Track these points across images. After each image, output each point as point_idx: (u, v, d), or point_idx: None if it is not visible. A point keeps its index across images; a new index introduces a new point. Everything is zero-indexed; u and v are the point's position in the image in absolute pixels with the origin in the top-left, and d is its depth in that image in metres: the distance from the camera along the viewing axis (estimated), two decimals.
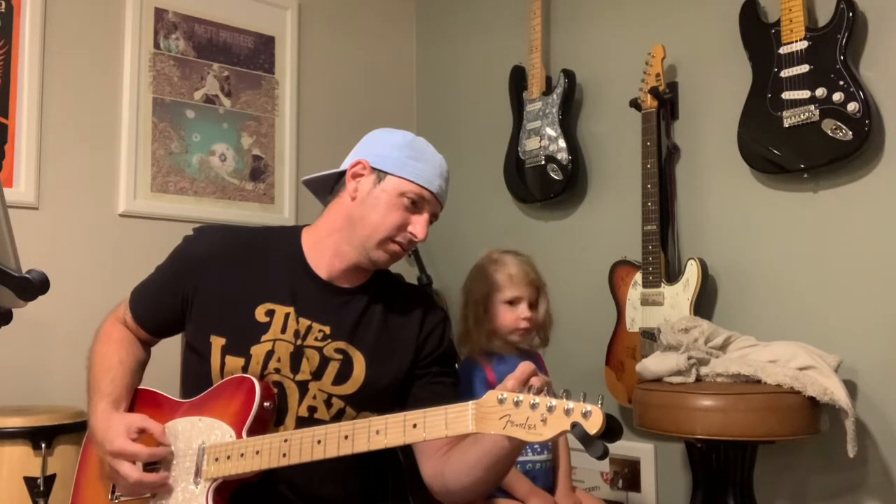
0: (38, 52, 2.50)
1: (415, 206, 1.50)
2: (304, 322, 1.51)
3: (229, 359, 1.50)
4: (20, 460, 1.95)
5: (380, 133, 1.60)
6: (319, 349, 1.51)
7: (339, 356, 1.51)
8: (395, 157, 1.52)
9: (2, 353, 2.20)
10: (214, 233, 1.62)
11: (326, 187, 1.64)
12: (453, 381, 1.63)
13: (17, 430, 1.96)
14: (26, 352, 2.37)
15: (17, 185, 2.44)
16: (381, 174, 1.51)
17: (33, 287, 1.03)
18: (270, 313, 1.51)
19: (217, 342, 1.51)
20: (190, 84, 2.83)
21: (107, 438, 1.41)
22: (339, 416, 1.51)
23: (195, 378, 1.53)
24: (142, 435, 1.41)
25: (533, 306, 1.90)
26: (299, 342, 1.50)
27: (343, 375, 1.51)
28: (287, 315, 1.51)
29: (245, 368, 1.49)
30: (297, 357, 1.50)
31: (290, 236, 1.61)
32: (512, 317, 1.87)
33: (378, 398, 1.53)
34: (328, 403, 1.50)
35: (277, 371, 1.49)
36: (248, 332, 1.50)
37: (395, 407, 1.56)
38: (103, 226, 2.61)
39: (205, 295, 1.54)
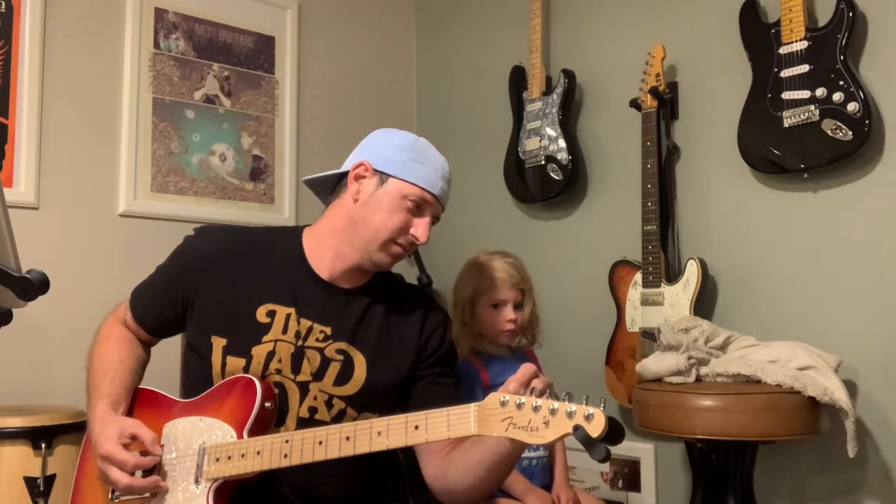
0: (38, 52, 2.50)
1: (417, 208, 1.50)
2: (306, 323, 1.51)
3: (230, 359, 1.50)
4: (20, 460, 1.95)
5: (382, 134, 1.60)
6: (320, 350, 1.51)
7: (340, 357, 1.51)
8: (397, 160, 1.51)
9: (2, 353, 2.20)
10: (215, 233, 1.62)
11: (328, 187, 1.64)
12: (455, 382, 1.63)
13: (17, 430, 1.96)
14: (26, 352, 2.37)
15: (17, 185, 2.43)
16: (383, 176, 1.51)
17: (33, 287, 1.02)
18: (272, 314, 1.51)
19: (218, 342, 1.51)
20: (190, 84, 2.83)
21: (99, 441, 1.41)
22: (339, 417, 1.51)
23: (196, 378, 1.53)
24: (134, 441, 1.41)
25: (518, 308, 1.91)
26: (300, 343, 1.50)
27: (344, 376, 1.51)
28: (288, 316, 1.51)
29: (246, 369, 1.49)
30: (297, 358, 1.50)
31: (291, 237, 1.61)
32: (498, 319, 1.89)
33: (379, 399, 1.53)
34: (329, 404, 1.50)
35: (278, 372, 1.49)
36: (249, 332, 1.50)
37: (397, 408, 1.56)
38: (103, 226, 2.60)
39: (206, 295, 1.54)
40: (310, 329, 1.51)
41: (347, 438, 1.28)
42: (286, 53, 3.07)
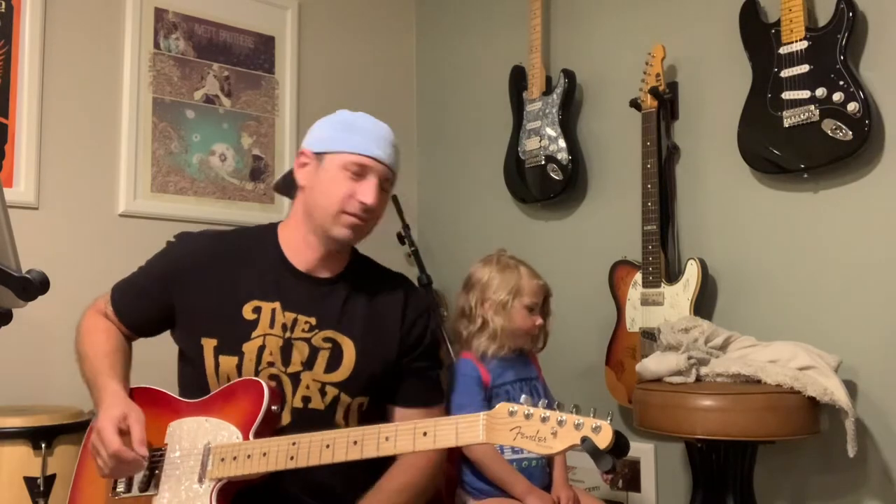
0: (38, 52, 2.50)
1: (358, 175, 1.52)
2: (290, 315, 1.54)
3: (223, 359, 1.52)
4: (20, 460, 1.95)
5: (318, 121, 1.65)
6: (307, 340, 1.53)
7: (328, 345, 1.54)
8: (329, 136, 1.56)
9: (2, 353, 2.20)
10: (196, 239, 1.65)
11: (294, 186, 1.67)
12: (438, 374, 1.68)
13: (17, 430, 1.96)
14: (26, 352, 2.37)
15: (17, 185, 2.43)
16: (320, 156, 1.55)
17: (33, 287, 1.03)
18: (258, 310, 1.54)
19: (209, 344, 1.53)
20: (190, 84, 2.83)
21: (102, 415, 1.40)
22: (334, 404, 1.53)
23: (192, 384, 1.55)
24: (127, 433, 1.39)
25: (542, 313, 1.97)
26: (288, 335, 1.53)
27: (334, 363, 1.53)
28: (274, 310, 1.54)
29: (239, 366, 1.51)
30: (287, 349, 1.52)
31: (268, 234, 1.65)
32: (529, 321, 1.92)
33: (371, 384, 1.56)
34: (322, 392, 1.52)
35: (271, 365, 1.51)
36: (238, 330, 1.52)
37: (388, 394, 1.60)
38: (103, 226, 2.60)
39: (191, 300, 1.56)
40: (295, 321, 1.54)
41: (355, 443, 1.30)
42: (286, 53, 3.07)
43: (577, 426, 1.12)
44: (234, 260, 1.59)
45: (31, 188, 2.46)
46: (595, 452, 1.10)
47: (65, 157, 2.54)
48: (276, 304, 1.54)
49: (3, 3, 2.46)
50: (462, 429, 1.22)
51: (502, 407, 1.19)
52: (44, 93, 2.51)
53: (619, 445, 1.11)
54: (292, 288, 1.56)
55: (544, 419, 1.15)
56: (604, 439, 1.10)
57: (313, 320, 1.54)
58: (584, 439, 1.11)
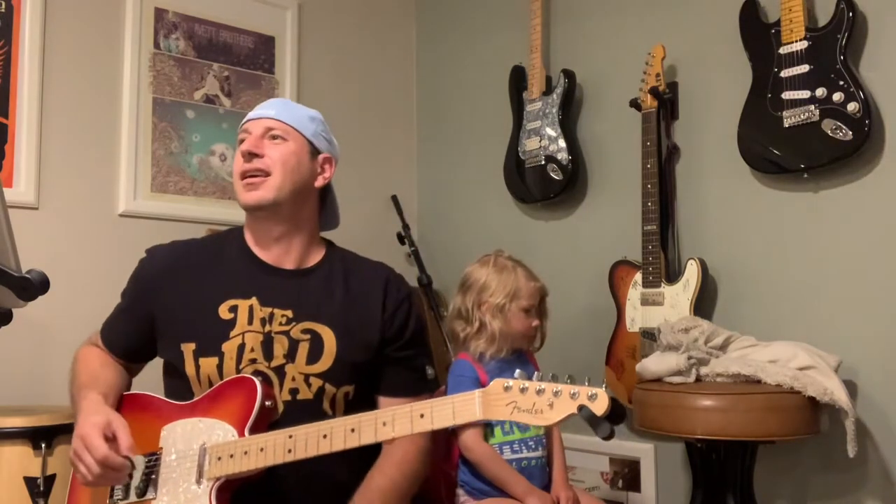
0: (38, 52, 2.50)
1: (245, 141, 1.59)
2: (266, 310, 1.55)
3: (203, 361, 1.52)
4: (20, 460, 1.95)
5: None
6: (286, 333, 1.54)
7: (307, 336, 1.54)
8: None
9: (2, 353, 2.20)
10: (164, 250, 1.67)
11: None
12: (425, 361, 1.69)
13: (17, 430, 1.96)
14: (26, 352, 2.37)
15: (17, 185, 2.43)
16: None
17: (33, 287, 1.03)
18: (234, 309, 1.55)
19: (188, 348, 1.53)
20: (190, 84, 2.83)
21: (83, 423, 1.39)
22: (320, 394, 1.53)
23: (177, 394, 1.54)
24: (113, 440, 1.39)
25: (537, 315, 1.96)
26: (268, 328, 1.54)
27: (315, 354, 1.54)
28: (251, 307, 1.55)
29: (220, 366, 1.51)
30: (268, 344, 1.53)
31: (236, 235, 1.66)
32: (527, 323, 1.92)
33: (355, 372, 1.56)
34: (307, 384, 1.53)
35: (253, 361, 1.51)
36: (216, 331, 1.53)
37: (374, 383, 1.60)
38: (103, 226, 2.60)
39: (167, 309, 1.57)
40: (271, 315, 1.54)
41: (353, 430, 1.29)
42: (286, 53, 3.06)
43: (573, 395, 1.13)
44: (205, 263, 1.61)
45: (31, 188, 2.46)
46: (592, 420, 1.10)
47: (65, 157, 2.54)
48: (253, 300, 1.55)
49: (3, 3, 2.46)
50: (459, 407, 1.22)
51: (497, 383, 1.19)
52: (44, 93, 2.51)
53: (616, 411, 1.12)
54: (266, 283, 1.58)
55: (539, 391, 1.15)
56: (600, 406, 1.11)
57: (289, 313, 1.55)
58: (581, 408, 1.11)
